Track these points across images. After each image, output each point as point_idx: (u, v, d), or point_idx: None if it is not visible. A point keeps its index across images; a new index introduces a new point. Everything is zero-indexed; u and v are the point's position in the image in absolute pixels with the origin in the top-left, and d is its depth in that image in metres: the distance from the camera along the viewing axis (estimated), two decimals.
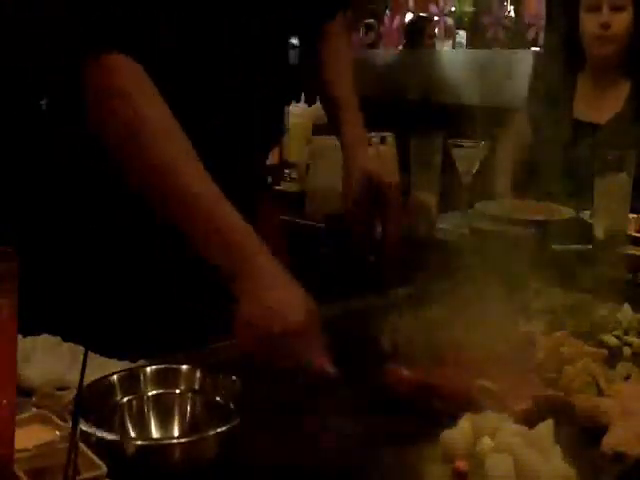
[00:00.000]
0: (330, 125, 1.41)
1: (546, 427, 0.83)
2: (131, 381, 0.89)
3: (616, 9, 2.27)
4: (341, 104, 1.37)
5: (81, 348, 0.95)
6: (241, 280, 0.97)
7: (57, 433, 0.77)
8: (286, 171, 2.78)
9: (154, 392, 0.89)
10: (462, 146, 1.90)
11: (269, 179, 2.58)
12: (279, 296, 0.97)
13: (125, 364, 0.97)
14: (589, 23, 2.30)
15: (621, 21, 2.27)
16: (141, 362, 0.98)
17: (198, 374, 0.90)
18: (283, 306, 0.96)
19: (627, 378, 1.03)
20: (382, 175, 1.26)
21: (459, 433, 0.84)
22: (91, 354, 0.77)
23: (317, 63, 1.42)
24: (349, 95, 1.39)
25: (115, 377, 0.88)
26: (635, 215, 1.78)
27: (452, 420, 0.87)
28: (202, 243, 1.00)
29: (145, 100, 1.02)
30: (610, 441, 0.85)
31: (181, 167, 1.01)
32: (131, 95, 1.02)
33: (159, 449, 0.79)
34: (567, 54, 2.39)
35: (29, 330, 0.94)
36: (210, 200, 1.00)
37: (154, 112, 1.02)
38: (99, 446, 0.75)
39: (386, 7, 5.00)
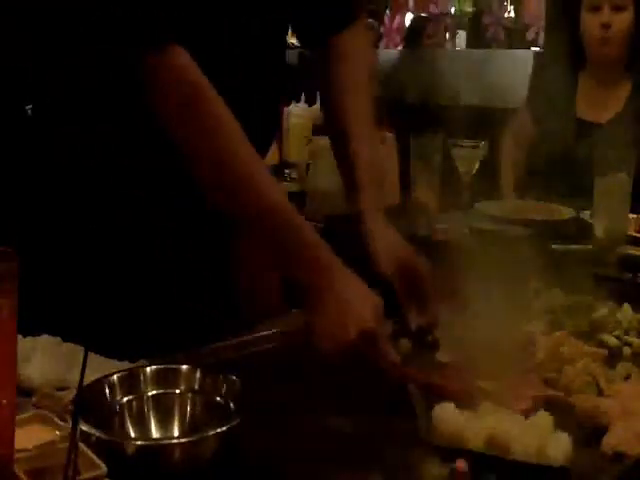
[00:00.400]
0: (342, 179, 1.26)
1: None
2: (131, 381, 0.89)
3: (617, 9, 2.28)
4: (358, 162, 1.22)
5: (81, 348, 0.95)
6: (316, 287, 1.01)
7: (57, 433, 0.77)
8: (286, 171, 2.79)
9: (154, 392, 0.89)
10: (462, 146, 1.90)
11: None
12: (354, 292, 1.01)
13: (125, 364, 0.97)
14: (590, 23, 2.30)
15: (622, 21, 2.28)
16: (141, 362, 0.98)
17: (198, 374, 0.90)
18: (358, 300, 1.00)
19: (627, 378, 1.03)
20: (416, 264, 1.18)
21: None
22: (91, 354, 0.77)
23: (327, 88, 1.30)
24: (366, 148, 1.24)
25: (115, 377, 0.88)
26: (635, 215, 1.78)
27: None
28: (279, 258, 1.05)
29: (214, 95, 1.03)
30: (610, 441, 0.85)
31: (256, 173, 1.04)
32: (205, 89, 1.03)
33: (159, 449, 0.79)
34: (568, 54, 2.40)
35: (29, 330, 0.94)
36: (284, 209, 1.03)
37: (226, 111, 1.04)
38: (99, 446, 0.75)
39: (386, 7, 5.00)
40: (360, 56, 1.32)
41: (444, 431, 0.85)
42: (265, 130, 1.31)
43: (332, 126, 1.30)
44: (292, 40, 1.61)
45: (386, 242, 1.19)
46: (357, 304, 0.99)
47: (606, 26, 2.27)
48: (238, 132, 1.04)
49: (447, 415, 0.86)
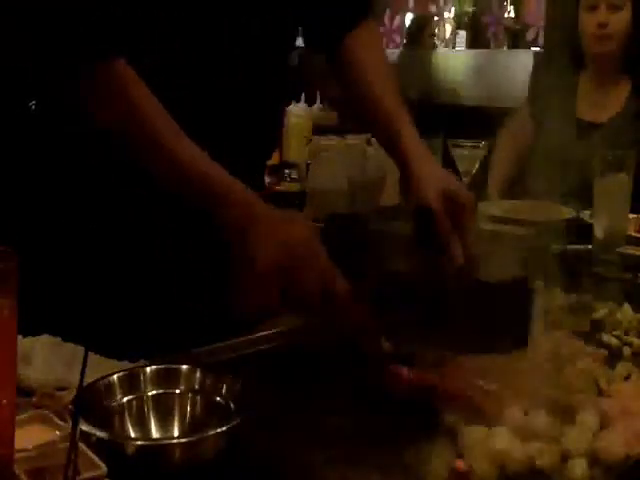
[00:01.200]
0: (379, 141, 1.31)
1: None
2: (131, 381, 0.89)
3: (614, 8, 2.28)
4: (393, 117, 1.25)
5: (81, 348, 0.95)
6: (244, 229, 1.01)
7: (57, 433, 0.77)
8: (286, 171, 2.78)
9: (154, 392, 0.89)
10: (462, 146, 1.90)
11: (266, 180, 2.58)
12: (286, 228, 1.01)
13: (125, 364, 0.97)
14: (587, 22, 2.31)
15: (619, 20, 2.28)
16: (141, 362, 0.98)
17: (198, 374, 0.90)
18: (292, 232, 1.00)
19: (627, 378, 1.03)
20: (462, 197, 1.17)
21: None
22: (91, 354, 0.77)
23: (348, 75, 1.33)
24: (399, 106, 1.27)
25: (115, 377, 0.88)
26: (635, 215, 1.78)
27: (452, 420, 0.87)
28: (199, 203, 1.05)
29: (152, 109, 1.04)
30: (610, 441, 0.85)
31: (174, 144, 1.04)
32: (141, 106, 1.03)
33: (159, 449, 0.79)
34: (568, 54, 2.40)
35: (29, 330, 0.94)
36: (203, 164, 1.04)
37: (163, 121, 1.04)
38: (99, 446, 0.75)
39: (386, 7, 5.00)
40: (378, 47, 1.36)
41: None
42: (268, 131, 1.31)
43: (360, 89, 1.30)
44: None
45: (429, 172, 1.19)
46: (288, 225, 1.01)
47: (602, 25, 2.27)
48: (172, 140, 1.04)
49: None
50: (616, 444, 0.84)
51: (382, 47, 1.42)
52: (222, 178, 1.05)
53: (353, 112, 1.36)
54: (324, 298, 0.98)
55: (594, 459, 0.82)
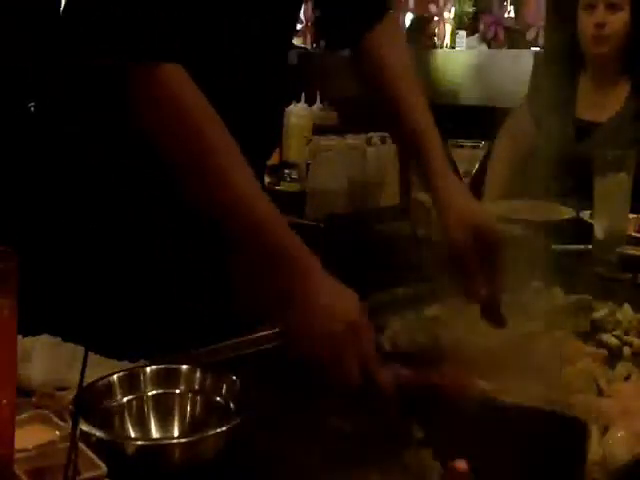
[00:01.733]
0: (404, 157, 1.29)
1: None
2: (131, 381, 0.89)
3: (612, 8, 2.27)
4: (422, 138, 1.20)
5: (81, 348, 0.95)
6: (294, 291, 0.97)
7: (57, 433, 0.77)
8: (286, 171, 2.78)
9: (154, 392, 0.89)
10: (462, 146, 1.90)
11: (266, 180, 2.58)
12: (333, 294, 0.97)
13: (125, 364, 0.97)
14: (585, 22, 2.31)
15: (616, 21, 2.27)
16: (141, 362, 0.98)
17: (198, 374, 0.90)
18: (339, 302, 0.96)
19: (627, 378, 1.03)
20: (492, 232, 1.13)
21: None
22: (91, 354, 0.77)
23: (371, 74, 1.29)
24: (429, 123, 1.21)
25: (115, 377, 0.88)
26: (635, 215, 1.78)
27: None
28: (236, 234, 1.00)
29: (203, 114, 1.00)
30: (610, 441, 0.85)
31: (236, 181, 1.00)
32: (192, 110, 1.00)
33: (159, 449, 0.79)
34: (567, 54, 2.40)
35: (29, 330, 0.94)
36: (263, 212, 1.00)
37: (213, 128, 1.00)
38: (99, 446, 0.75)
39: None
40: (401, 42, 1.33)
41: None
42: (268, 131, 1.31)
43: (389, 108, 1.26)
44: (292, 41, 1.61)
45: (459, 207, 1.14)
46: (339, 301, 0.96)
47: (600, 25, 2.27)
48: (229, 155, 1.00)
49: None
50: (617, 444, 0.84)
51: (404, 43, 1.38)
52: (281, 230, 0.99)
53: (374, 110, 1.31)
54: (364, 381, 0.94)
55: (595, 459, 0.82)
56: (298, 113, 2.92)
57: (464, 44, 4.68)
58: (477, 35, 4.46)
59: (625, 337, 1.20)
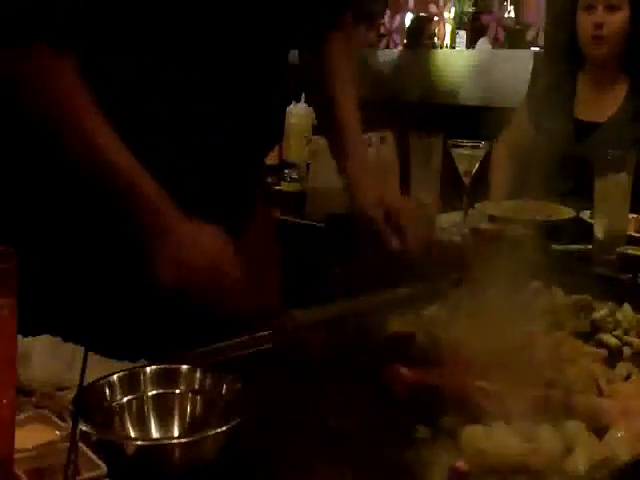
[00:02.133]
0: (329, 146, 1.40)
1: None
2: (131, 381, 0.89)
3: (611, 9, 2.27)
4: (344, 132, 1.35)
5: (81, 348, 0.95)
6: (159, 234, 1.08)
7: (57, 433, 0.77)
8: (286, 171, 2.78)
9: (154, 392, 0.89)
10: (462, 146, 1.90)
11: (268, 179, 2.58)
12: (196, 231, 1.08)
13: (125, 364, 0.97)
14: (584, 22, 2.31)
15: (615, 21, 2.27)
16: (141, 362, 0.98)
17: (198, 374, 0.90)
18: (202, 238, 1.08)
19: (627, 378, 1.03)
20: (398, 207, 1.27)
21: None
22: (91, 354, 0.77)
23: (318, 76, 1.40)
24: (352, 119, 1.36)
25: (115, 377, 0.88)
26: (635, 215, 1.78)
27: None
28: (120, 205, 1.09)
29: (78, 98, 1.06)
30: (610, 441, 0.85)
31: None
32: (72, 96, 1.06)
33: (159, 449, 0.79)
34: (567, 54, 2.40)
35: (29, 330, 0.94)
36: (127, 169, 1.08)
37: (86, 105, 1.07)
38: (99, 446, 0.75)
39: (386, 7, 4.99)
40: (349, 47, 1.42)
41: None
42: (269, 131, 1.31)
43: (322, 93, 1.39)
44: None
45: (369, 186, 1.30)
46: (201, 237, 1.08)
47: (599, 25, 2.27)
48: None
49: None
50: (617, 444, 0.84)
51: (352, 54, 1.47)
52: (133, 171, 1.08)
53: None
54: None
55: (595, 459, 0.82)
56: (298, 113, 2.92)
57: (464, 44, 4.69)
58: (486, 37, 4.47)
59: (625, 337, 1.20)
